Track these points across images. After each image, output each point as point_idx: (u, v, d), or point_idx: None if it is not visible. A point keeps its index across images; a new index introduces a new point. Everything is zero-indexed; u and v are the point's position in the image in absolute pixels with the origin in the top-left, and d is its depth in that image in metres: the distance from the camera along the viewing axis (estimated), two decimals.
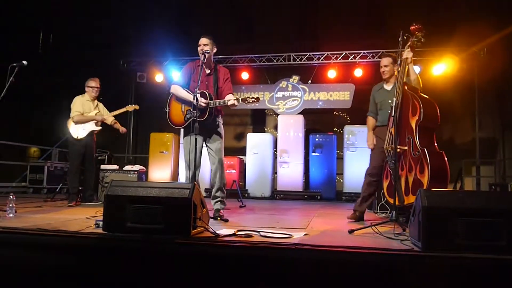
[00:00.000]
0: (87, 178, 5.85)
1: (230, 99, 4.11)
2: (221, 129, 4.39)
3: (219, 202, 4.28)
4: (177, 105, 4.34)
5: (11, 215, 3.86)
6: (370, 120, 4.50)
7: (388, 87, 4.37)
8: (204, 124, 4.11)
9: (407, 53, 3.90)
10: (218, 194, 4.29)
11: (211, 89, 4.26)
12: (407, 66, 3.90)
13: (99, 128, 5.79)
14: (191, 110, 3.90)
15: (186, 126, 4.26)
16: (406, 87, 3.81)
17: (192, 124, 3.87)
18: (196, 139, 3.88)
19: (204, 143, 4.34)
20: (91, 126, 5.73)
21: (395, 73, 4.26)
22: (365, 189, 4.30)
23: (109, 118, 5.87)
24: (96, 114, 5.78)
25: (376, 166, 4.22)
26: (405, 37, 3.85)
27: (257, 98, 4.01)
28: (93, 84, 5.83)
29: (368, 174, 4.31)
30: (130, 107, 5.92)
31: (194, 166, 4.03)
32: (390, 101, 4.19)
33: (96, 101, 5.90)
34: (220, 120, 4.40)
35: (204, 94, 4.12)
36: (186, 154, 4.17)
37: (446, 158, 3.64)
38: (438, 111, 3.77)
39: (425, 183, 3.46)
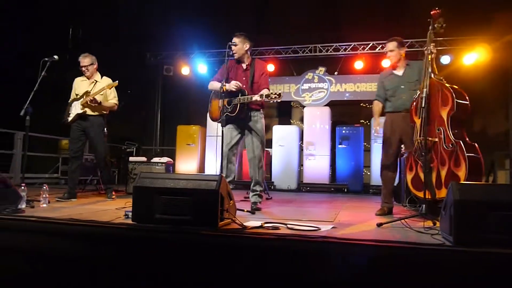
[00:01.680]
0: (102, 172, 5.54)
1: (254, 95, 4.17)
2: (260, 123, 4.42)
3: (256, 196, 4.37)
4: (215, 101, 4.45)
5: (44, 205, 3.99)
6: (377, 105, 4.39)
7: (399, 72, 4.21)
8: (238, 119, 4.25)
9: (433, 48, 3.69)
10: (256, 188, 4.39)
11: (246, 84, 4.33)
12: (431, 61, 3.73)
13: (83, 110, 4.97)
14: (226, 105, 4.11)
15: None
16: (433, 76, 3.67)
17: (222, 113, 4.11)
18: (222, 131, 3.97)
19: (241, 136, 4.42)
20: (76, 109, 5.05)
21: (403, 55, 4.13)
22: (385, 184, 4.21)
23: (85, 101, 4.97)
24: (86, 94, 4.99)
25: (391, 156, 4.12)
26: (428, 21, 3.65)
27: (279, 94, 4.02)
28: (80, 63, 5.11)
29: (383, 166, 4.21)
30: (109, 85, 5.02)
31: (222, 158, 4.09)
32: (403, 86, 4.09)
33: (95, 78, 5.16)
34: (259, 115, 4.43)
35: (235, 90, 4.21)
36: (224, 146, 4.29)
37: (479, 152, 3.53)
38: (468, 101, 3.65)
39: (463, 177, 3.36)
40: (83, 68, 5.07)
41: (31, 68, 4.93)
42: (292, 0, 10.05)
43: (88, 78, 5.14)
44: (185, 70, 10.29)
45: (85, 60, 5.07)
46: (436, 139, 3.62)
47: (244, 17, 9.96)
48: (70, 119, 5.06)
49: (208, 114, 4.70)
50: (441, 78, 3.75)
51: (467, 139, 3.60)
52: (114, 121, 10.53)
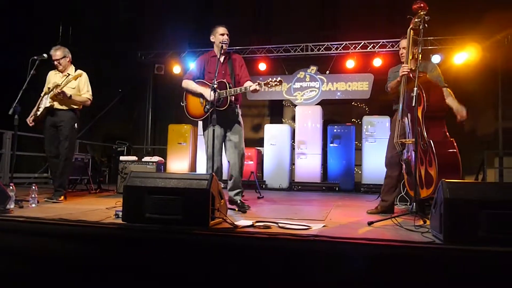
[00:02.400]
0: (60, 172, 4.78)
1: (251, 85, 4.09)
2: (240, 118, 4.38)
3: (239, 194, 4.30)
4: (194, 97, 4.32)
5: (33, 205, 3.95)
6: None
7: None
8: (224, 114, 4.11)
9: (402, 70, 3.69)
10: (240, 185, 4.31)
11: (228, 77, 4.24)
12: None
13: (51, 104, 4.70)
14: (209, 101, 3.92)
15: (205, 118, 4.24)
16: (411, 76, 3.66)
17: (210, 115, 3.89)
18: (214, 130, 3.89)
19: (225, 134, 4.32)
20: (45, 103, 4.76)
21: (415, 55, 4.10)
22: (385, 181, 4.21)
23: (53, 94, 4.72)
24: (55, 87, 4.72)
25: (394, 155, 4.12)
26: (407, 17, 3.61)
27: (280, 81, 3.99)
28: (52, 56, 4.84)
29: (386, 165, 4.23)
30: (74, 76, 4.78)
31: (213, 158, 4.04)
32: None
33: (69, 71, 4.90)
34: (239, 111, 4.38)
35: (223, 83, 4.12)
36: (209, 147, 4.12)
37: (456, 147, 3.47)
38: (443, 95, 3.62)
39: (434, 176, 3.37)
40: (55, 62, 4.83)
41: (20, 66, 4.87)
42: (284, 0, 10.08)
43: (62, 72, 4.89)
44: (176, 69, 10.24)
45: (57, 53, 4.83)
46: (410, 141, 3.64)
47: (236, 15, 9.96)
48: (38, 114, 4.77)
49: (185, 112, 4.43)
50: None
51: (447, 135, 3.58)
52: (106, 120, 10.51)
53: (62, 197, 4.65)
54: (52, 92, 4.72)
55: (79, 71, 4.92)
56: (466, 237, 2.35)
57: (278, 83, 3.98)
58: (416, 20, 3.54)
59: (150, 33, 10.39)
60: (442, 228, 2.41)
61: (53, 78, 4.90)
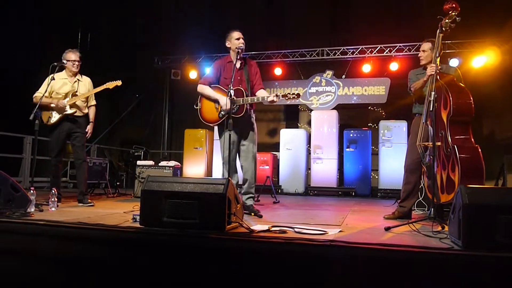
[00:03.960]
0: (77, 176, 4.92)
1: (269, 95, 4.07)
2: (255, 124, 4.39)
3: (251, 198, 4.29)
4: (209, 102, 4.31)
5: (53, 208, 4.02)
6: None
7: None
8: (240, 121, 4.10)
9: (430, 69, 3.60)
10: (251, 190, 4.29)
11: (243, 84, 4.23)
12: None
13: (73, 111, 4.76)
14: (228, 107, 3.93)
15: (220, 123, 4.24)
16: (439, 78, 3.60)
17: (226, 120, 3.89)
18: (230, 135, 3.90)
19: (240, 139, 4.32)
20: (61, 109, 4.74)
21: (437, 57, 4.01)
22: (403, 188, 4.16)
23: (73, 101, 4.75)
24: (72, 94, 4.76)
25: (414, 160, 4.06)
26: (437, 18, 3.49)
27: (298, 95, 3.97)
28: (72, 57, 4.81)
29: (406, 171, 4.17)
30: (111, 84, 4.83)
31: (229, 162, 4.05)
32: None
33: (76, 77, 4.90)
34: (253, 115, 4.39)
35: (239, 91, 4.11)
36: (225, 152, 4.12)
37: (480, 154, 3.42)
38: (471, 100, 3.53)
39: (456, 181, 3.31)
40: (76, 63, 4.80)
41: (41, 72, 4.97)
42: (299, 4, 10.08)
43: (73, 76, 4.88)
44: (192, 74, 10.33)
45: (77, 54, 4.85)
46: (439, 143, 3.58)
47: (252, 20, 10.00)
48: (54, 120, 4.74)
49: (199, 115, 4.40)
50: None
51: (472, 140, 3.53)
52: (123, 125, 10.65)
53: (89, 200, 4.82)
54: (69, 99, 4.75)
55: (86, 78, 5.00)
56: (485, 243, 2.31)
57: (296, 96, 3.96)
58: (446, 20, 3.44)
59: (166, 38, 10.51)
60: (460, 234, 2.38)
61: (60, 83, 4.82)
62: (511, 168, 8.47)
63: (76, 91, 4.83)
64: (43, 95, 4.56)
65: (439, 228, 3.01)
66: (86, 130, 4.91)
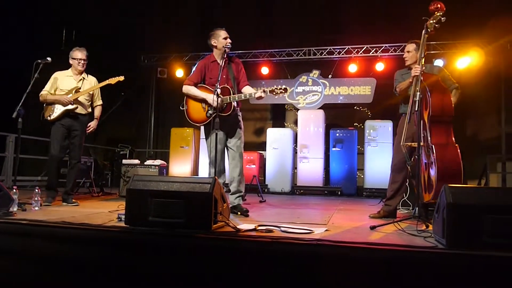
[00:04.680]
0: (68, 175, 4.82)
1: (256, 91, 4.09)
2: (242, 123, 4.38)
3: (240, 198, 4.27)
4: (196, 102, 4.27)
5: (36, 208, 3.95)
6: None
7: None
8: (227, 119, 4.10)
9: (414, 70, 3.63)
10: (240, 188, 4.27)
11: (229, 82, 4.22)
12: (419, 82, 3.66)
13: (74, 106, 4.68)
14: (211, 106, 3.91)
15: (207, 123, 4.21)
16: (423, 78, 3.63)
17: (213, 120, 3.87)
18: (216, 134, 3.89)
19: (227, 138, 4.30)
20: (62, 106, 4.69)
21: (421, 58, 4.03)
22: (389, 187, 4.19)
23: (76, 97, 4.71)
24: (75, 90, 4.72)
25: (400, 160, 4.09)
26: (423, 19, 3.52)
27: (285, 89, 3.99)
28: (79, 55, 4.77)
29: (393, 170, 4.21)
30: (113, 80, 4.85)
31: (215, 161, 4.04)
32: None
33: (82, 75, 4.87)
34: (240, 114, 4.37)
35: (226, 89, 4.10)
36: (212, 151, 4.09)
37: (459, 154, 3.43)
38: (451, 101, 3.55)
39: (434, 181, 3.35)
40: (82, 61, 4.77)
41: (24, 70, 4.89)
42: (286, 4, 10.09)
43: (79, 74, 4.84)
44: (179, 73, 10.29)
45: (84, 53, 4.82)
46: (415, 144, 3.62)
47: (239, 19, 9.97)
48: (55, 116, 4.66)
49: (186, 116, 4.36)
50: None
51: (453, 140, 3.54)
52: (108, 123, 10.53)
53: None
54: (72, 95, 4.69)
55: (91, 77, 4.96)
56: (469, 242, 2.34)
57: (283, 91, 3.98)
58: (431, 21, 3.46)
59: (153, 36, 10.42)
60: (445, 233, 2.41)
61: (65, 80, 4.80)
62: (493, 168, 8.64)
63: (80, 88, 4.77)
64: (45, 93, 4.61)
65: (424, 227, 3.05)
66: (89, 125, 4.87)
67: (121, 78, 4.89)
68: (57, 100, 4.67)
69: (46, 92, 4.70)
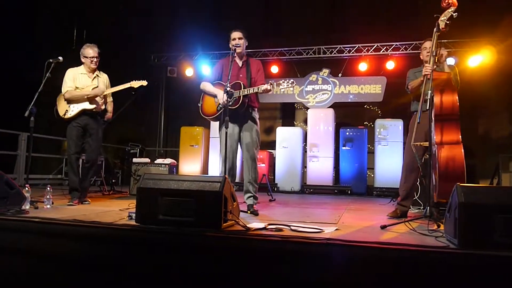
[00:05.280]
0: (84, 171, 4.80)
1: (263, 85, 4.13)
2: (257, 123, 4.40)
3: (252, 197, 4.27)
4: (210, 98, 4.44)
5: (48, 206, 3.99)
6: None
7: None
8: (237, 114, 4.19)
9: (425, 69, 3.58)
10: (252, 189, 4.28)
11: (244, 80, 4.30)
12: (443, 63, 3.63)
13: (93, 106, 4.66)
14: (225, 100, 4.00)
15: (217, 116, 4.34)
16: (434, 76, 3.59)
17: (223, 116, 3.93)
18: (226, 132, 3.91)
19: (240, 136, 4.35)
20: (83, 104, 4.64)
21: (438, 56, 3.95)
22: (402, 186, 4.15)
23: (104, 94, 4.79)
24: (92, 89, 4.70)
25: (412, 159, 4.05)
26: (434, 16, 3.46)
27: (292, 82, 4.05)
28: (91, 53, 4.70)
29: (405, 170, 4.16)
30: (135, 83, 4.78)
31: (225, 159, 4.04)
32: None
33: (95, 72, 4.82)
34: (256, 115, 4.42)
35: (237, 84, 4.20)
36: (222, 149, 4.09)
37: (462, 154, 3.39)
38: (456, 100, 3.52)
39: (436, 179, 3.31)
40: (95, 59, 4.71)
41: (36, 69, 4.94)
42: (296, 2, 10.06)
43: (92, 71, 4.79)
44: (189, 72, 10.31)
45: (96, 50, 4.74)
46: (425, 144, 3.59)
47: (248, 18, 9.97)
48: (72, 114, 4.63)
49: (200, 111, 4.51)
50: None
51: (459, 139, 3.49)
52: (119, 122, 10.59)
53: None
54: (87, 95, 4.66)
55: (104, 74, 4.93)
56: (481, 241, 2.32)
57: (290, 85, 4.00)
58: (443, 18, 3.40)
59: (163, 36, 10.47)
60: (456, 232, 2.39)
61: (81, 77, 4.74)
62: (506, 167, 8.53)
63: (97, 87, 4.75)
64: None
65: (435, 227, 3.02)
66: (109, 113, 4.96)
67: (144, 82, 4.89)
68: (88, 94, 4.62)
69: (71, 88, 4.65)
